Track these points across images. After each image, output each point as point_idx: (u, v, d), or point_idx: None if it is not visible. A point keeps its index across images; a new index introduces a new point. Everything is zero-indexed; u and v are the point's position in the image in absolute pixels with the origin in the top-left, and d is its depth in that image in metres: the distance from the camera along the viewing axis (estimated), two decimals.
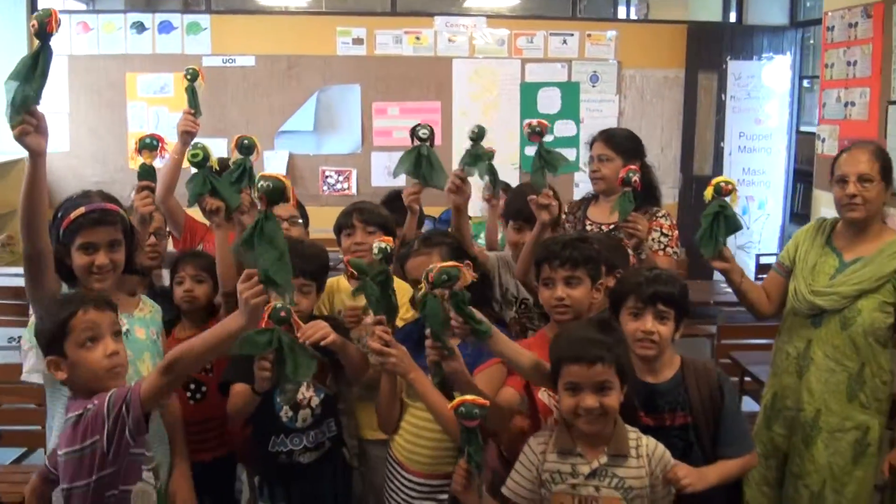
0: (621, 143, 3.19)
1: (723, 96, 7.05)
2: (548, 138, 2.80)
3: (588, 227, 3.17)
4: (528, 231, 2.91)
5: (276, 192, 1.90)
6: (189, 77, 3.12)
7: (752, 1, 7.45)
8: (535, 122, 2.78)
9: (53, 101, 6.70)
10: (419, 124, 2.89)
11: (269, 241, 1.89)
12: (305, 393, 2.57)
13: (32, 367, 2.29)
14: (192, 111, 3.17)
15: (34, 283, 2.15)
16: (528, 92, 6.95)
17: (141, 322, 2.41)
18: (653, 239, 3.00)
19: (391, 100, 6.78)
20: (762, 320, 3.07)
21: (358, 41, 6.81)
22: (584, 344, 2.00)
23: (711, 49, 7.02)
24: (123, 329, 2.18)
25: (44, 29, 1.91)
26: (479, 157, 2.84)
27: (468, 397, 1.97)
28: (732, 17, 7.57)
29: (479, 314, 2.10)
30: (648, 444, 2.04)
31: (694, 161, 7.06)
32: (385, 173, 6.77)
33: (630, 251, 2.83)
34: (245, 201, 2.69)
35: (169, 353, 1.94)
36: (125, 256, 2.33)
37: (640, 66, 7.04)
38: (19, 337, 3.57)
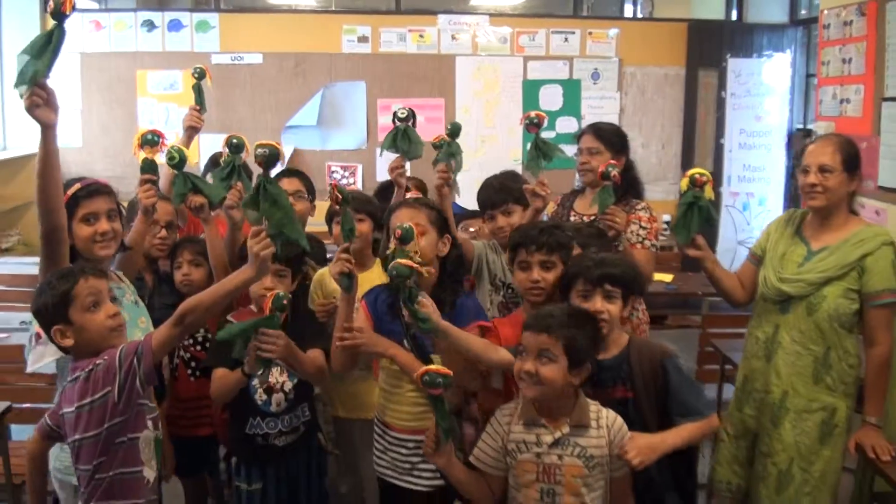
0: (609, 137, 3.31)
1: (723, 93, 7.14)
2: (549, 134, 2.99)
3: (572, 218, 3.30)
4: (499, 217, 3.05)
5: (271, 158, 2.12)
6: (196, 75, 3.27)
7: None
8: (533, 113, 2.97)
9: (66, 99, 6.86)
10: (399, 108, 3.07)
11: (274, 202, 2.08)
12: (279, 378, 2.70)
13: (39, 354, 2.40)
14: (198, 108, 3.32)
15: (50, 260, 2.29)
16: (531, 89, 7.09)
17: (120, 290, 2.54)
18: (631, 231, 3.12)
19: (396, 96, 6.91)
20: (738, 308, 3.18)
21: (363, 39, 6.97)
22: (544, 316, 2.18)
23: (712, 46, 7.12)
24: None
25: (59, 9, 2.05)
26: (453, 154, 2.98)
27: (432, 367, 2.10)
28: (734, 16, 7.67)
29: (427, 311, 2.24)
30: (608, 416, 2.18)
31: (695, 158, 7.14)
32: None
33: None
34: (234, 197, 2.85)
35: (181, 305, 2.10)
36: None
37: (641, 63, 7.16)
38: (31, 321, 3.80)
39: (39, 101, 2.10)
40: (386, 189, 3.55)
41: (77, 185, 2.45)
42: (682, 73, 7.17)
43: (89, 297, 2.09)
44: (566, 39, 7.05)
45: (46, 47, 2.05)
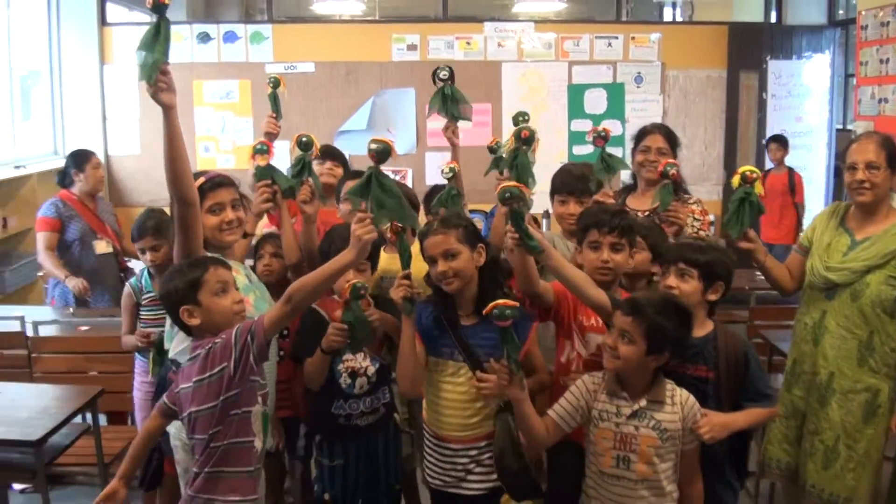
0: (674, 138, 3.53)
1: (764, 95, 7.28)
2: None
3: None
4: (572, 202, 3.21)
5: (383, 153, 2.34)
6: (272, 84, 3.50)
7: (792, 2, 7.68)
8: (600, 128, 3.26)
9: (125, 108, 7.22)
10: (438, 67, 3.31)
11: (388, 190, 2.29)
12: (362, 363, 2.88)
13: (182, 339, 2.60)
14: (275, 115, 3.54)
15: (186, 239, 2.48)
16: (575, 93, 7.29)
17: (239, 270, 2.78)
18: (688, 224, 3.30)
19: None
20: (787, 299, 3.40)
21: (412, 47, 7.22)
22: (636, 300, 2.40)
23: (752, 49, 7.26)
24: (246, 277, 2.61)
25: (157, 1, 2.26)
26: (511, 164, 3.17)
27: (500, 301, 2.25)
28: (773, 18, 7.79)
29: (533, 231, 2.43)
30: (682, 394, 2.39)
31: (737, 158, 7.27)
32: (439, 173, 7.08)
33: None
34: (305, 192, 3.04)
35: (290, 286, 2.30)
36: None
37: (682, 66, 7.32)
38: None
39: (163, 86, 2.30)
40: (435, 192, 3.74)
41: (202, 179, 2.64)
42: (723, 76, 7.32)
43: (218, 284, 2.32)
44: (609, 44, 7.25)
45: (157, 39, 2.25)
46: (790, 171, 6.95)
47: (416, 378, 2.67)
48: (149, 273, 3.66)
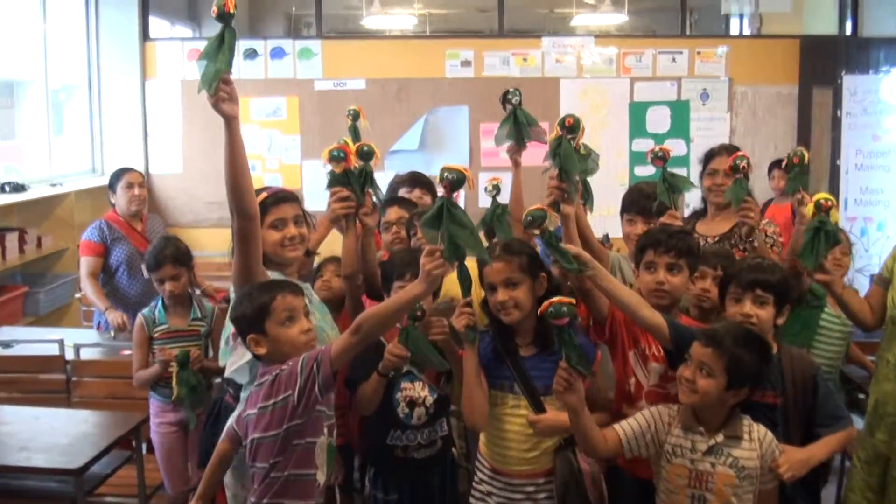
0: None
1: (838, 112, 7.09)
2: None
3: None
4: (640, 222, 3.24)
5: (457, 183, 2.32)
6: (351, 117, 3.52)
7: (868, 13, 7.52)
8: (657, 147, 3.23)
9: (166, 125, 7.34)
10: (509, 90, 3.29)
11: (459, 222, 2.26)
12: (421, 392, 2.89)
13: (239, 356, 2.63)
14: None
15: (245, 257, 2.49)
16: (637, 111, 7.24)
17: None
18: (763, 241, 3.29)
19: (499, 121, 7.08)
20: (868, 332, 3.29)
21: (466, 63, 7.25)
22: (716, 331, 2.37)
23: (826, 63, 7.14)
24: (307, 298, 2.61)
25: (222, 10, 2.26)
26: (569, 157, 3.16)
27: (555, 299, 2.23)
28: (848, 30, 7.59)
29: (571, 250, 2.43)
30: (759, 430, 2.35)
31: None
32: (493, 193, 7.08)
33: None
34: (367, 204, 3.05)
35: (358, 316, 2.32)
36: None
37: (751, 82, 7.23)
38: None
39: (225, 96, 2.30)
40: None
41: (264, 194, 2.69)
42: (794, 92, 7.21)
43: (285, 313, 2.35)
44: (673, 59, 7.20)
45: (221, 48, 2.26)
46: None
47: (483, 409, 2.66)
48: (163, 304, 3.69)
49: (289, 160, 7.31)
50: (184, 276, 3.67)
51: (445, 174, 2.33)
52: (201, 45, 6.90)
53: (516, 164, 3.37)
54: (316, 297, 2.86)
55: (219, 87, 2.28)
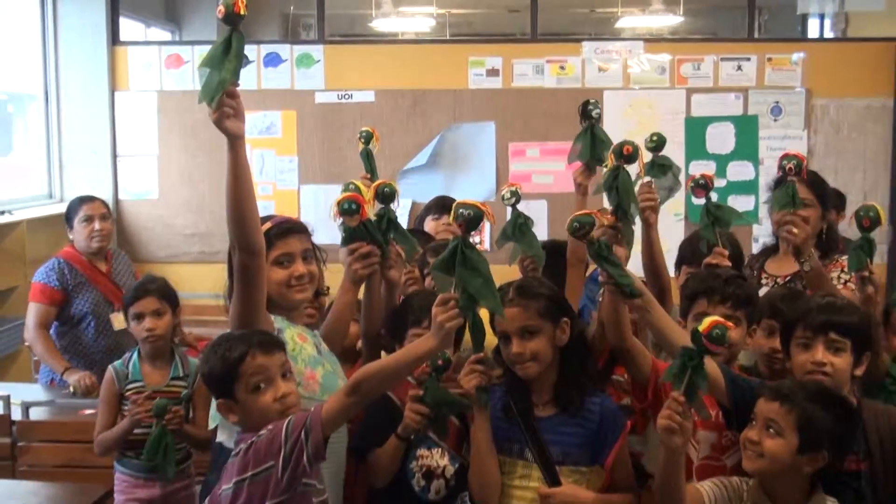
0: (822, 186, 3.50)
1: None
2: (719, 182, 3.17)
3: (763, 282, 3.47)
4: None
5: (474, 221, 2.31)
6: (363, 139, 3.53)
7: None
8: (698, 175, 3.26)
9: (140, 144, 7.36)
10: (589, 101, 3.33)
11: (474, 268, 2.27)
12: (440, 461, 2.84)
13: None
14: (369, 176, 3.54)
15: (245, 300, 2.52)
16: (695, 128, 7.19)
17: (299, 347, 2.76)
18: (836, 277, 3.29)
19: (531, 139, 7.18)
20: None
21: (492, 72, 7.24)
22: (784, 384, 2.41)
23: None
24: (315, 347, 2.65)
25: (231, 11, 2.27)
26: (664, 166, 3.25)
27: (718, 318, 2.19)
28: None
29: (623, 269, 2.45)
30: None
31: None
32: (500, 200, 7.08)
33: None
34: (392, 254, 3.03)
35: (355, 373, 2.31)
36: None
37: (834, 94, 7.15)
38: None
39: (230, 111, 2.33)
40: (554, 254, 3.79)
41: (268, 224, 2.70)
42: (889, 105, 7.11)
43: (255, 377, 2.34)
44: (739, 67, 7.17)
45: (227, 55, 2.26)
46: None
47: (495, 484, 2.65)
48: (138, 355, 3.61)
49: (284, 185, 7.32)
50: (167, 315, 3.60)
51: (460, 211, 2.33)
52: (185, 52, 7.03)
53: (582, 190, 3.35)
54: (325, 345, 2.86)
55: (223, 101, 2.30)
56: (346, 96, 7.29)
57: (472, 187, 7.17)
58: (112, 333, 4.76)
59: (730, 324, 2.20)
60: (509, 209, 3.18)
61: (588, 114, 3.31)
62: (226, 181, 2.41)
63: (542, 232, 6.77)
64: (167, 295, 3.62)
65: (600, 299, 2.92)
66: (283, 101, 7.30)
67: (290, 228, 2.74)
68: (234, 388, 2.34)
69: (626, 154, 2.80)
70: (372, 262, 2.91)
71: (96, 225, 4.85)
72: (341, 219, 2.86)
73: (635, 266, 3.31)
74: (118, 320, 4.67)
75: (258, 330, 2.51)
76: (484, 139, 7.26)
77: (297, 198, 7.33)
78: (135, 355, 3.61)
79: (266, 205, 7.20)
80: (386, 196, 2.99)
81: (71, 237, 4.91)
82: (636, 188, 3.07)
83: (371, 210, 2.96)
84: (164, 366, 3.62)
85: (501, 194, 3.05)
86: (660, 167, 3.29)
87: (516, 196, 3.04)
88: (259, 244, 2.48)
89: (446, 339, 2.28)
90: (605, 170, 2.97)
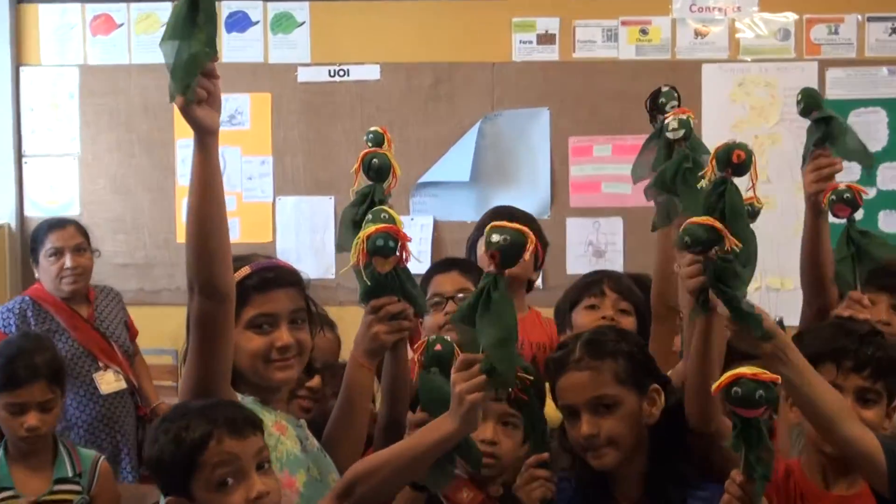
0: None
1: None
2: (865, 193, 3.19)
3: None
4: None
5: (513, 250, 2.30)
6: (371, 142, 3.49)
7: None
8: (843, 185, 3.27)
9: (55, 138, 7.40)
10: (662, 89, 3.33)
11: (497, 317, 2.27)
12: None
13: None
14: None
15: (206, 367, 2.53)
16: None
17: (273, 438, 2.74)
18: None
19: (599, 132, 7.18)
20: None
21: (546, 39, 7.25)
22: None
23: None
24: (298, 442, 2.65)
25: None
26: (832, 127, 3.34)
27: (744, 370, 2.25)
28: None
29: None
30: None
31: None
32: (590, 251, 7.14)
33: None
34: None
35: (348, 470, 2.33)
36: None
37: None
38: None
39: (204, 94, 2.35)
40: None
41: (245, 270, 2.72)
42: None
43: (220, 470, 2.33)
44: (894, 30, 7.18)
45: (194, 22, 2.28)
46: None
47: None
48: (5, 452, 3.62)
49: (254, 195, 7.35)
50: (57, 406, 3.62)
51: (495, 236, 2.33)
52: (118, 13, 7.03)
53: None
54: (315, 441, 2.87)
55: (198, 83, 2.32)
56: (341, 73, 7.30)
57: (518, 200, 7.01)
58: (98, 400, 4.77)
59: (769, 377, 2.24)
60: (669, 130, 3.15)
61: (660, 107, 3.31)
62: (189, 192, 2.42)
63: (616, 260, 6.80)
64: (58, 372, 3.64)
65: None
66: (252, 80, 7.29)
67: (277, 279, 2.74)
68: (191, 482, 2.33)
69: (736, 163, 2.60)
70: (403, 327, 2.87)
71: (67, 261, 4.92)
72: (364, 261, 2.78)
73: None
74: (106, 381, 4.78)
75: (227, 402, 2.51)
76: (534, 133, 7.27)
77: (270, 214, 7.33)
78: (1, 447, 3.61)
79: (231, 222, 7.18)
80: (376, 170, 2.99)
81: (37, 275, 4.98)
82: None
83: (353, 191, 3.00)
84: (44, 466, 3.63)
85: (666, 123, 3.02)
86: (824, 127, 3.41)
87: (687, 127, 2.99)
88: (227, 286, 2.48)
89: (470, 418, 2.32)
90: (701, 183, 2.79)
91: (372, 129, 3.41)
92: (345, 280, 6.34)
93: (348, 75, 7.31)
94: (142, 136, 7.33)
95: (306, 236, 7.05)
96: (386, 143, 3.42)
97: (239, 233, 7.03)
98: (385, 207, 2.93)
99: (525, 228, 2.35)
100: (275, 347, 2.67)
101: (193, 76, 2.28)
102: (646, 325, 3.61)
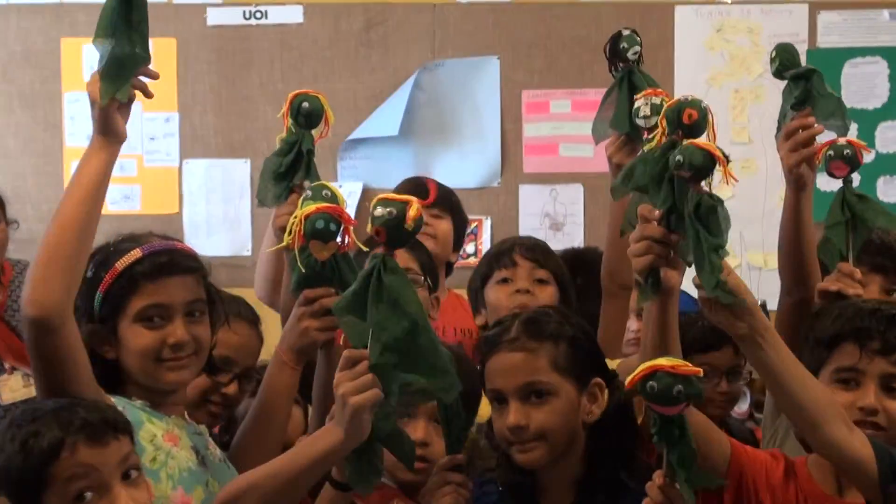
0: None
1: None
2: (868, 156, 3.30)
3: None
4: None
5: (396, 225, 2.30)
6: (295, 108, 3.41)
7: None
8: (843, 140, 3.35)
9: None
10: (623, 32, 3.46)
11: (393, 304, 2.27)
12: None
13: None
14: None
15: (53, 385, 2.52)
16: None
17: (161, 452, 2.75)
18: None
19: (556, 86, 7.17)
20: None
21: None
22: None
23: None
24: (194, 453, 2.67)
25: None
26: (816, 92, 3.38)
27: (662, 361, 2.28)
28: None
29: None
30: None
31: None
32: (546, 223, 7.14)
33: None
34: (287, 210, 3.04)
35: (222, 490, 2.38)
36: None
37: None
38: None
39: (134, 96, 2.51)
40: (576, 259, 4.01)
41: (136, 253, 2.73)
42: None
43: (75, 485, 2.32)
44: None
45: (127, 19, 2.40)
46: None
47: None
48: None
49: (156, 160, 7.31)
50: None
51: (378, 210, 2.33)
52: None
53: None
54: (218, 451, 2.89)
55: (138, 88, 2.52)
56: (258, 14, 7.26)
57: (464, 165, 7.20)
58: None
59: (689, 370, 2.28)
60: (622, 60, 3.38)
61: (621, 54, 3.40)
62: (67, 198, 2.51)
63: (576, 234, 6.82)
64: None
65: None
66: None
67: (172, 264, 2.75)
68: (43, 497, 2.32)
69: (688, 123, 2.59)
70: (325, 323, 2.88)
71: None
72: (300, 244, 2.76)
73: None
74: (10, 388, 4.65)
75: (86, 402, 2.49)
76: (482, 85, 7.27)
77: (176, 180, 7.29)
78: None
79: (127, 191, 7.20)
80: (306, 115, 3.10)
81: None
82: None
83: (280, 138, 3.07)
84: None
85: (635, 107, 3.06)
86: (803, 84, 3.45)
87: (660, 113, 2.84)
88: (59, 317, 2.46)
89: (358, 425, 2.33)
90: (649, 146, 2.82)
91: (301, 94, 3.39)
92: None
93: (266, 17, 7.27)
94: (22, 88, 7.28)
95: (218, 206, 7.04)
96: (323, 106, 3.40)
97: (139, 202, 7.01)
98: (327, 183, 2.93)
99: (413, 200, 2.34)
100: (167, 344, 2.68)
101: (128, 78, 2.41)
102: (568, 295, 3.75)
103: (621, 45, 3.40)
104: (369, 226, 2.34)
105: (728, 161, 2.57)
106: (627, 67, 3.38)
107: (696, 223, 2.44)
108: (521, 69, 7.21)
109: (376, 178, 7.08)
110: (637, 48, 3.38)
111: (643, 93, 3.13)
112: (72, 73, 7.21)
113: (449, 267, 4.69)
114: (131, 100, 2.50)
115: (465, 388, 2.59)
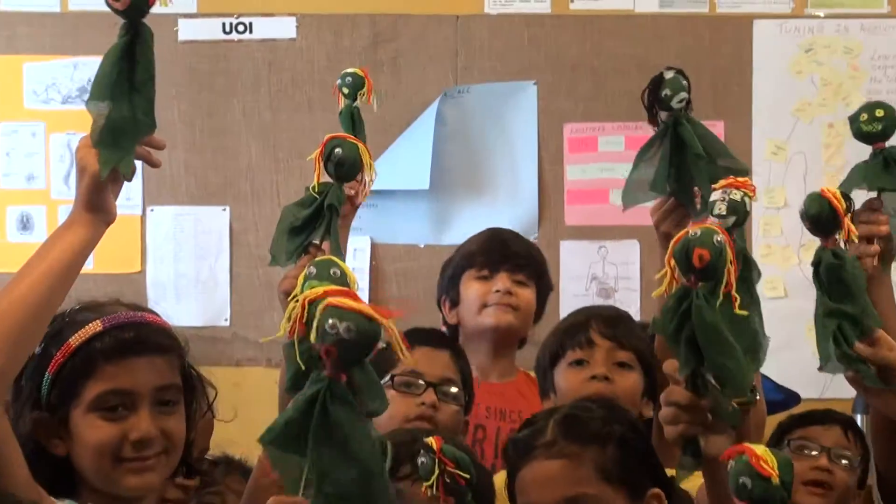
0: None
1: None
2: None
3: None
4: None
5: (359, 347, 2.14)
6: (347, 91, 3.43)
7: None
8: (880, 113, 3.46)
9: None
10: (666, 73, 3.39)
11: (341, 445, 2.15)
12: None
13: None
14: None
15: None
16: None
17: None
18: None
19: (606, 118, 7.17)
20: None
21: None
22: None
23: None
24: None
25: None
26: None
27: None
28: None
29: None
30: None
31: None
32: (594, 288, 7.09)
33: None
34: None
35: None
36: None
37: None
38: None
39: (135, 167, 2.58)
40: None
41: (95, 326, 2.75)
42: None
43: None
44: None
45: (130, 79, 2.50)
46: None
47: None
48: None
49: (126, 207, 7.19)
50: None
51: (330, 322, 2.18)
52: None
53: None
54: None
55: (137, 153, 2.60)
56: (240, 27, 7.27)
57: (491, 214, 7.08)
58: None
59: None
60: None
61: (663, 101, 3.37)
62: (26, 267, 2.57)
63: (631, 301, 6.76)
64: None
65: None
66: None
67: (139, 341, 2.76)
68: None
69: (700, 267, 2.55)
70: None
71: None
72: (300, 334, 2.63)
73: None
74: None
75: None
76: (515, 116, 7.25)
77: (139, 232, 7.27)
78: None
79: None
80: (352, 85, 3.23)
81: None
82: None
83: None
84: None
85: (710, 201, 2.91)
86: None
87: (741, 213, 2.84)
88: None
89: None
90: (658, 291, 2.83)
91: (349, 70, 3.53)
92: (243, 329, 6.28)
93: (251, 31, 7.28)
94: None
95: (189, 265, 7.03)
96: (366, 88, 3.41)
97: (92, 259, 6.88)
98: (335, 259, 2.85)
99: (377, 315, 2.17)
100: (129, 440, 2.68)
101: (130, 149, 2.49)
102: (654, 382, 3.71)
103: (664, 93, 3.34)
104: (313, 335, 2.18)
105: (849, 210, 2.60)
106: (672, 118, 3.34)
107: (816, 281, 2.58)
108: (562, 97, 7.19)
109: (386, 231, 7.09)
110: (683, 94, 3.34)
111: (722, 183, 2.97)
112: (9, 98, 7.22)
113: (521, 342, 4.73)
114: (133, 173, 2.56)
115: None
